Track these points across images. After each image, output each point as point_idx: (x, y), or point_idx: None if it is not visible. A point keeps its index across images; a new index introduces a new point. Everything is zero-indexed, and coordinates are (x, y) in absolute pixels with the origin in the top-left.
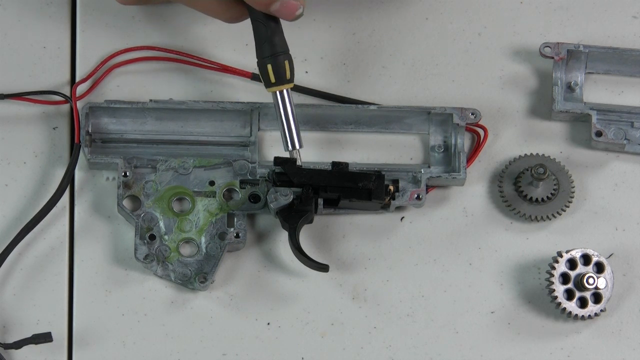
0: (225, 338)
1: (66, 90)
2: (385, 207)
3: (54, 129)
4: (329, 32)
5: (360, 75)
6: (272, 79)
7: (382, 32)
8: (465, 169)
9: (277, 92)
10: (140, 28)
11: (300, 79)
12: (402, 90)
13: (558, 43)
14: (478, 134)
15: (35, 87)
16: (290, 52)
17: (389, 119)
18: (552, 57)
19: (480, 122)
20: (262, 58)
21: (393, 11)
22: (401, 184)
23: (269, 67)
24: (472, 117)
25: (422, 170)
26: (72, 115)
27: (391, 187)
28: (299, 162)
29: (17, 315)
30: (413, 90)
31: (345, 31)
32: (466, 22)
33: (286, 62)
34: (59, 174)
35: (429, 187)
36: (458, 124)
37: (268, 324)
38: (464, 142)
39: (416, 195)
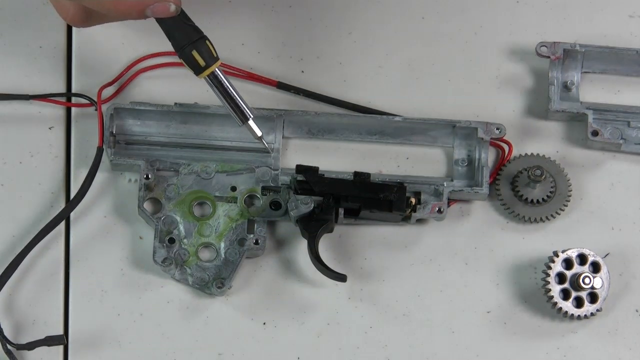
0: (221, 338)
1: (62, 89)
2: (406, 219)
3: (49, 128)
4: (324, 32)
5: (356, 75)
6: (202, 63)
7: (378, 31)
8: (488, 183)
9: (212, 74)
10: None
11: (297, 79)
12: (398, 89)
13: (554, 42)
14: (502, 149)
15: (30, 86)
16: (288, 52)
17: (413, 130)
18: (549, 57)
19: (505, 137)
20: (182, 48)
21: (389, 10)
22: (423, 197)
23: (194, 53)
24: (497, 132)
25: (445, 183)
26: (69, 116)
27: (412, 199)
28: (257, 133)
29: (14, 315)
30: (409, 90)
31: (341, 30)
32: (462, 21)
33: (207, 43)
34: (56, 174)
35: (450, 201)
36: (482, 139)
37: (264, 323)
38: (487, 156)
39: (437, 209)
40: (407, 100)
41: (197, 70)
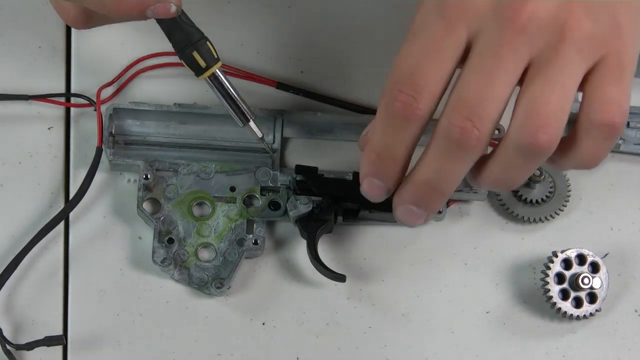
0: (220, 338)
1: (62, 89)
2: None
3: (49, 129)
4: (324, 32)
5: (357, 75)
6: (203, 64)
7: (378, 31)
8: None
9: (213, 75)
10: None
11: (296, 79)
12: None
13: None
14: None
15: (29, 86)
16: (287, 53)
17: None
18: None
19: None
20: (183, 49)
21: (390, 10)
22: None
23: (195, 54)
24: (496, 132)
25: None
26: (69, 116)
27: None
28: (258, 134)
29: (13, 315)
30: None
31: (341, 30)
32: None
33: (208, 44)
34: (55, 174)
35: (449, 201)
36: None
37: (263, 323)
38: None
39: None
40: None
41: (198, 71)
